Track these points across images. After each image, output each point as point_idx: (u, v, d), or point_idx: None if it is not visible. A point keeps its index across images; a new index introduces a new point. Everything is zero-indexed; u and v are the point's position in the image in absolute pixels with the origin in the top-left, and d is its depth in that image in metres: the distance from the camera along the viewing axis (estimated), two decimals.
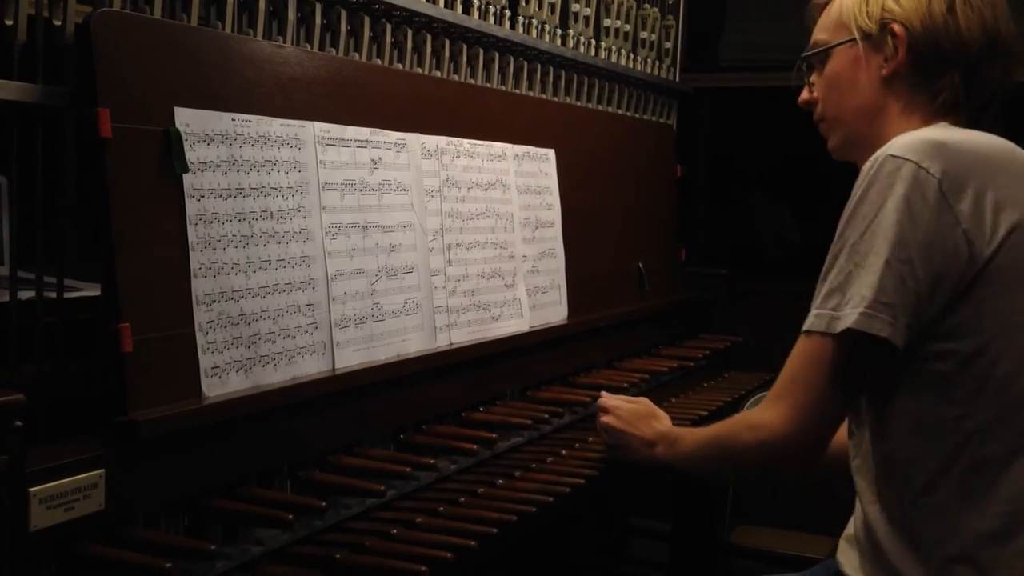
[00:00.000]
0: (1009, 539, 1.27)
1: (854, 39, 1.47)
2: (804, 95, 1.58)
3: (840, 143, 1.54)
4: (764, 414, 1.37)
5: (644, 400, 1.81)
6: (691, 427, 1.65)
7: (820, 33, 1.55)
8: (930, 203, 1.26)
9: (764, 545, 2.64)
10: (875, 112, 1.47)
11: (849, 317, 1.27)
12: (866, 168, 1.32)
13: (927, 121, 1.43)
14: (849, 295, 1.28)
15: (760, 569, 2.55)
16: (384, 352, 1.72)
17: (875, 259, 1.26)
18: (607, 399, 1.84)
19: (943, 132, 1.36)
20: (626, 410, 1.77)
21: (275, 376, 1.50)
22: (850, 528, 1.44)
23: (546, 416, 1.95)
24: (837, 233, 1.33)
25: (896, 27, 1.42)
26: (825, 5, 1.56)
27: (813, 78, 1.56)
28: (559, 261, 2.28)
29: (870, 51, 1.46)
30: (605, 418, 1.78)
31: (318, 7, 1.77)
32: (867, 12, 1.45)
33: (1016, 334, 1.28)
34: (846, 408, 1.36)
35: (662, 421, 1.74)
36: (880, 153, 1.31)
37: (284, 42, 1.69)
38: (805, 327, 1.33)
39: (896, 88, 1.45)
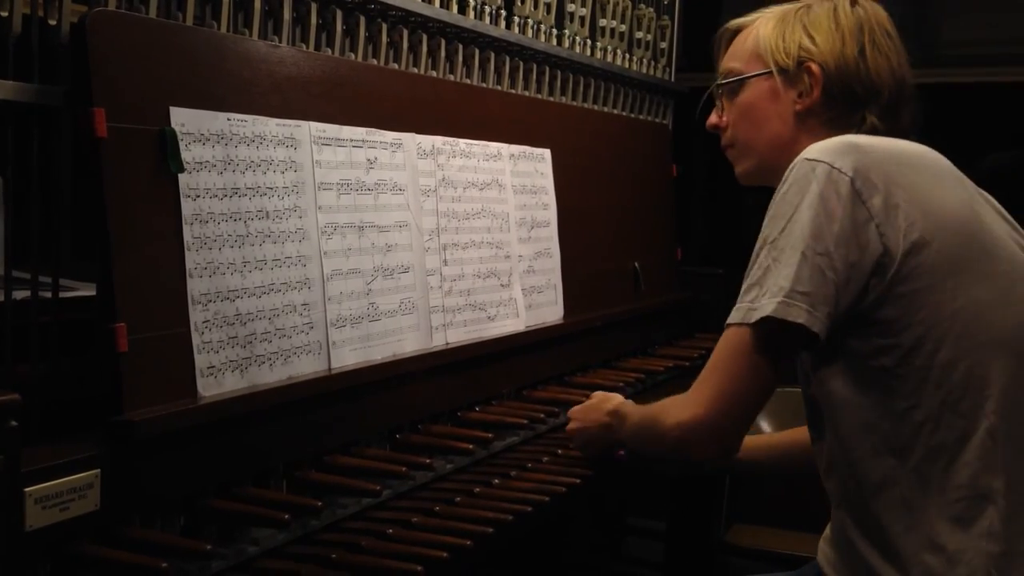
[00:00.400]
0: (972, 522, 1.30)
1: (770, 72, 1.53)
2: (713, 119, 1.64)
3: (749, 170, 1.61)
4: (686, 398, 1.42)
5: (597, 394, 1.82)
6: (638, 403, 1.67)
7: (733, 61, 1.60)
8: (843, 199, 1.31)
9: (760, 544, 2.65)
10: (787, 143, 1.52)
11: (767, 307, 1.32)
12: (785, 174, 1.38)
13: None
14: (766, 287, 1.33)
15: (756, 568, 2.55)
16: (380, 352, 1.72)
17: (792, 252, 1.32)
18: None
19: (856, 136, 1.42)
20: (577, 409, 1.79)
21: (271, 376, 1.50)
22: (827, 530, 1.48)
23: (542, 416, 1.95)
24: (760, 234, 1.38)
25: (813, 66, 1.49)
26: (736, 33, 1.62)
27: (724, 104, 1.61)
28: (555, 261, 2.28)
29: (785, 85, 1.52)
30: (568, 427, 1.80)
31: (314, 7, 1.77)
32: (784, 48, 1.52)
33: (950, 323, 1.31)
34: (763, 396, 1.39)
35: (612, 400, 1.74)
36: (798, 159, 1.37)
37: (280, 42, 1.69)
38: (727, 321, 1.38)
39: (809, 123, 1.52)
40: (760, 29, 1.56)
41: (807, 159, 1.35)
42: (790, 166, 1.38)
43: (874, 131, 1.48)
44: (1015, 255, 1.39)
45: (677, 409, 1.44)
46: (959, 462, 1.31)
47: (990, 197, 1.48)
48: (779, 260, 1.33)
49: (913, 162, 1.40)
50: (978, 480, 1.30)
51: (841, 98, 1.49)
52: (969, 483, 1.30)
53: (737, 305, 1.38)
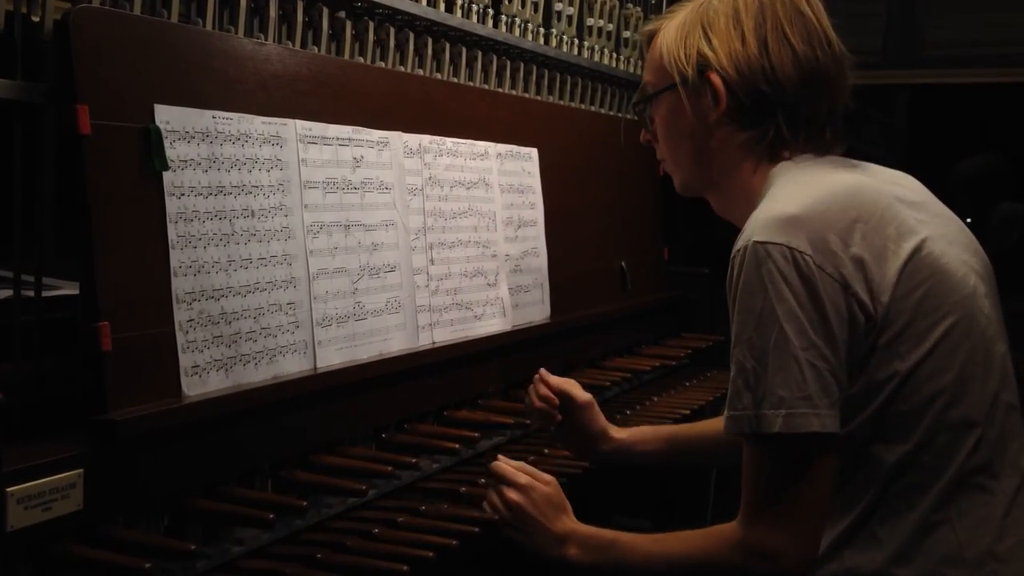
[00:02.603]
0: (933, 548, 1.29)
1: (674, 85, 1.44)
2: (644, 135, 1.57)
3: (683, 184, 1.53)
4: (764, 538, 1.27)
5: (554, 483, 1.52)
6: (622, 531, 1.44)
7: (647, 74, 1.52)
8: (810, 281, 1.25)
9: None
10: (710, 155, 1.45)
11: (774, 423, 1.25)
12: (736, 258, 1.30)
13: (761, 159, 1.42)
14: (761, 395, 1.26)
15: None
16: (366, 351, 1.71)
17: (778, 355, 1.24)
18: (506, 468, 1.51)
19: (789, 197, 1.32)
20: (540, 494, 1.48)
21: (256, 375, 1.49)
22: None
23: None
24: (732, 330, 1.30)
25: (713, 77, 1.39)
26: (650, 39, 1.52)
27: (652, 118, 1.53)
28: (542, 260, 2.28)
29: (692, 97, 1.42)
30: (514, 495, 1.47)
31: (300, 5, 1.76)
32: (684, 56, 1.42)
33: (920, 366, 1.29)
34: (830, 500, 1.30)
35: (571, 516, 1.49)
36: (744, 241, 1.29)
37: (265, 40, 1.69)
38: (731, 429, 1.30)
39: (725, 132, 1.42)
40: (664, 35, 1.47)
41: (758, 242, 1.26)
42: (738, 247, 1.29)
43: (782, 141, 1.39)
44: (966, 281, 1.35)
45: (758, 556, 1.27)
46: (926, 496, 1.29)
47: (921, 194, 1.42)
48: (767, 364, 1.25)
49: (859, 196, 1.32)
50: (938, 511, 1.29)
51: (750, 103, 1.39)
52: (929, 513, 1.29)
53: (732, 412, 1.29)
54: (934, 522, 1.29)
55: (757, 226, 1.29)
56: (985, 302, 1.37)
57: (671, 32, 1.46)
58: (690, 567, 1.35)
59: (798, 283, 1.25)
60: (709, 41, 1.41)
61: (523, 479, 1.49)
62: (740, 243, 1.30)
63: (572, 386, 1.79)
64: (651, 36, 1.52)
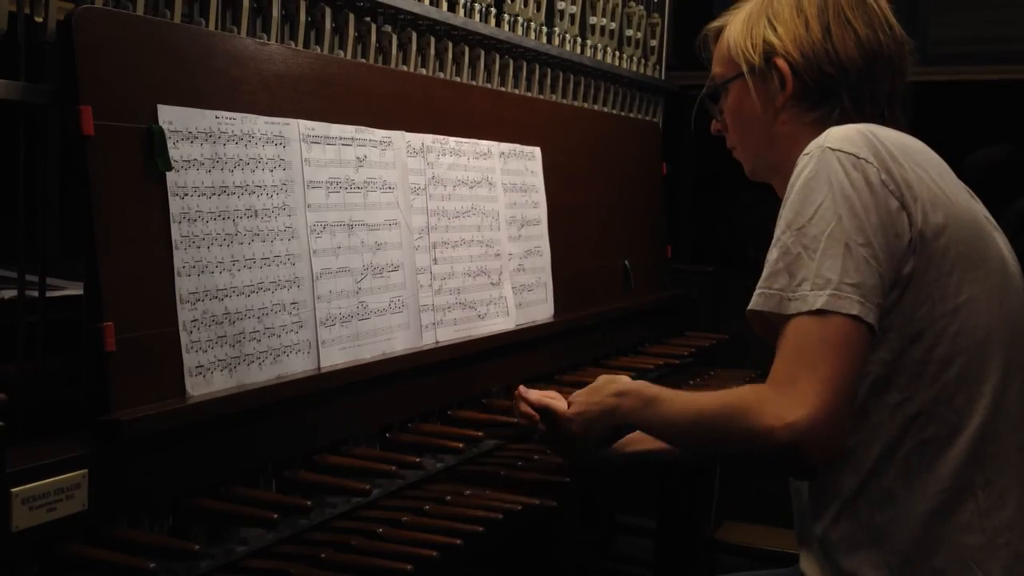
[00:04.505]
0: (952, 515, 1.31)
1: (742, 74, 1.52)
2: (715, 125, 1.65)
3: (753, 169, 1.62)
4: (780, 394, 1.25)
5: (600, 376, 1.67)
6: (672, 389, 1.52)
7: (716, 66, 1.60)
8: (875, 189, 1.30)
9: (750, 542, 2.65)
10: (777, 137, 1.53)
11: (817, 300, 1.26)
12: (803, 161, 1.35)
13: None
14: (802, 277, 1.28)
15: (746, 565, 2.56)
16: (370, 351, 1.71)
17: (832, 243, 1.28)
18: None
19: (872, 126, 1.40)
20: (579, 393, 1.65)
21: (260, 375, 1.49)
22: (806, 535, 1.46)
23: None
24: (780, 221, 1.33)
25: (779, 61, 1.48)
26: (717, 35, 1.61)
27: (721, 108, 1.61)
28: (545, 259, 2.28)
29: (759, 83, 1.51)
30: (568, 411, 1.64)
31: (302, 4, 1.77)
32: (751, 46, 1.51)
33: (950, 319, 1.32)
34: (855, 393, 1.30)
35: (618, 380, 1.60)
36: (814, 146, 1.34)
37: (268, 39, 1.69)
38: (755, 307, 1.32)
39: (792, 114, 1.50)
40: (730, 30, 1.56)
41: (829, 148, 1.33)
42: (806, 153, 1.35)
43: (847, 119, 1.44)
44: (1002, 253, 1.41)
45: (777, 406, 1.24)
46: (944, 457, 1.32)
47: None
48: (815, 250, 1.28)
49: (922, 154, 1.40)
50: (961, 474, 1.32)
51: (816, 85, 1.47)
52: (949, 476, 1.32)
53: (764, 290, 1.31)
54: (951, 487, 1.31)
55: (829, 136, 1.35)
56: (1019, 284, 1.41)
57: (737, 25, 1.55)
58: (715, 419, 1.35)
59: (864, 187, 1.30)
60: (775, 29, 1.49)
61: (572, 396, 1.66)
62: (810, 148, 1.35)
63: (552, 398, 1.74)
64: (717, 33, 1.61)
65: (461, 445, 1.73)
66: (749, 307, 1.34)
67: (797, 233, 1.31)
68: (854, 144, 1.33)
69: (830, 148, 1.33)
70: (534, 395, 1.75)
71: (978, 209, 1.43)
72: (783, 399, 1.24)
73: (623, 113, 2.93)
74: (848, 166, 1.31)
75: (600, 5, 2.75)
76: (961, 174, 1.47)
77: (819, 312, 1.26)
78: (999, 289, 1.36)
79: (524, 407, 1.75)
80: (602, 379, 1.66)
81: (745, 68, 1.51)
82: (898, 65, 1.50)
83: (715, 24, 1.62)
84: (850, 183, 1.30)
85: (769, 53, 1.49)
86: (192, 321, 1.39)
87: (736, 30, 1.54)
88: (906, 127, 1.48)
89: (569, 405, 1.67)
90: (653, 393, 1.50)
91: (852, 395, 1.28)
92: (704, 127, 1.68)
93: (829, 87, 1.47)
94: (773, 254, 1.33)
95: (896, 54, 1.49)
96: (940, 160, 1.44)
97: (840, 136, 1.35)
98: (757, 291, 1.33)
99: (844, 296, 1.27)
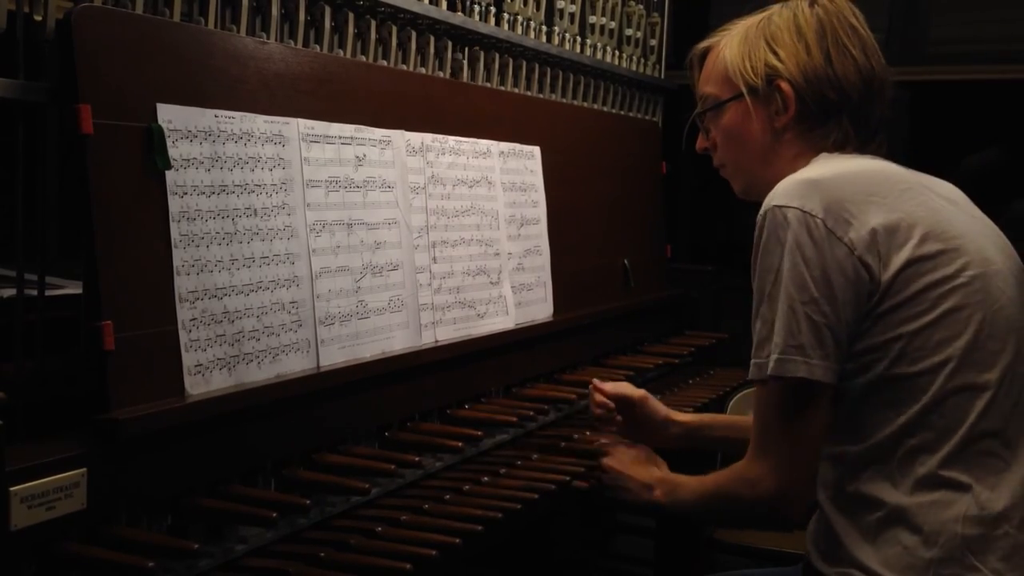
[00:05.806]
0: (949, 506, 1.34)
1: (742, 94, 1.55)
2: (701, 142, 1.67)
3: (743, 188, 1.64)
4: (754, 469, 1.42)
5: (643, 446, 1.81)
6: (688, 475, 1.65)
7: (708, 86, 1.63)
8: (819, 242, 1.35)
9: (749, 541, 2.65)
10: (771, 158, 1.56)
11: (768, 366, 1.37)
12: (759, 221, 1.41)
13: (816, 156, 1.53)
14: (768, 343, 1.37)
15: (745, 565, 2.55)
16: (369, 350, 1.71)
17: (781, 307, 1.36)
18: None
19: (818, 169, 1.45)
20: (625, 454, 1.76)
21: (259, 374, 1.49)
22: (811, 526, 1.50)
23: (532, 413, 1.94)
24: (754, 286, 1.42)
25: (782, 84, 1.51)
26: (705, 54, 1.64)
27: (709, 126, 1.64)
28: (544, 258, 2.28)
29: (759, 105, 1.54)
30: (605, 460, 1.76)
31: (302, 3, 1.77)
32: (751, 67, 1.54)
33: (930, 332, 1.35)
34: (819, 442, 1.41)
35: (660, 466, 1.74)
36: (765, 205, 1.40)
37: (268, 38, 1.69)
38: (749, 377, 1.42)
39: (789, 136, 1.54)
40: (726, 50, 1.58)
41: (776, 206, 1.38)
42: (761, 211, 1.41)
43: (847, 139, 1.50)
44: (986, 263, 1.40)
45: (753, 487, 1.42)
46: (942, 452, 1.35)
47: (955, 193, 1.51)
48: (775, 313, 1.36)
49: (876, 180, 1.42)
50: (955, 469, 1.34)
51: (816, 108, 1.51)
52: (949, 470, 1.34)
53: (752, 360, 1.41)
54: (944, 480, 1.34)
55: (779, 191, 1.40)
56: (1010, 283, 1.42)
57: (734, 47, 1.57)
58: (714, 498, 1.54)
59: (808, 241, 1.35)
60: (776, 53, 1.53)
61: (611, 448, 1.78)
62: (763, 207, 1.41)
63: (624, 387, 1.91)
64: (705, 52, 1.65)
65: (461, 444, 1.73)
66: (749, 376, 1.43)
67: (769, 300, 1.38)
68: (800, 197, 1.37)
69: (776, 206, 1.38)
70: (609, 387, 1.90)
71: (977, 226, 1.44)
72: (756, 476, 1.41)
73: (623, 112, 2.93)
74: (793, 222, 1.36)
75: (600, 4, 2.75)
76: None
77: (773, 378, 1.37)
78: (982, 294, 1.38)
79: (599, 398, 1.89)
80: (646, 453, 1.77)
81: (745, 89, 1.54)
82: (886, 91, 1.54)
83: (703, 44, 1.65)
84: (794, 240, 1.35)
85: (772, 76, 1.52)
86: (191, 320, 1.39)
87: (734, 51, 1.56)
88: (884, 152, 1.53)
89: (607, 452, 1.77)
90: (677, 481, 1.65)
91: (814, 451, 1.40)
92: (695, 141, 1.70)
93: (829, 110, 1.51)
94: (756, 322, 1.41)
95: (885, 80, 1.54)
96: (901, 175, 1.46)
97: (786, 191, 1.39)
98: (752, 361, 1.42)
99: (790, 359, 1.35)
